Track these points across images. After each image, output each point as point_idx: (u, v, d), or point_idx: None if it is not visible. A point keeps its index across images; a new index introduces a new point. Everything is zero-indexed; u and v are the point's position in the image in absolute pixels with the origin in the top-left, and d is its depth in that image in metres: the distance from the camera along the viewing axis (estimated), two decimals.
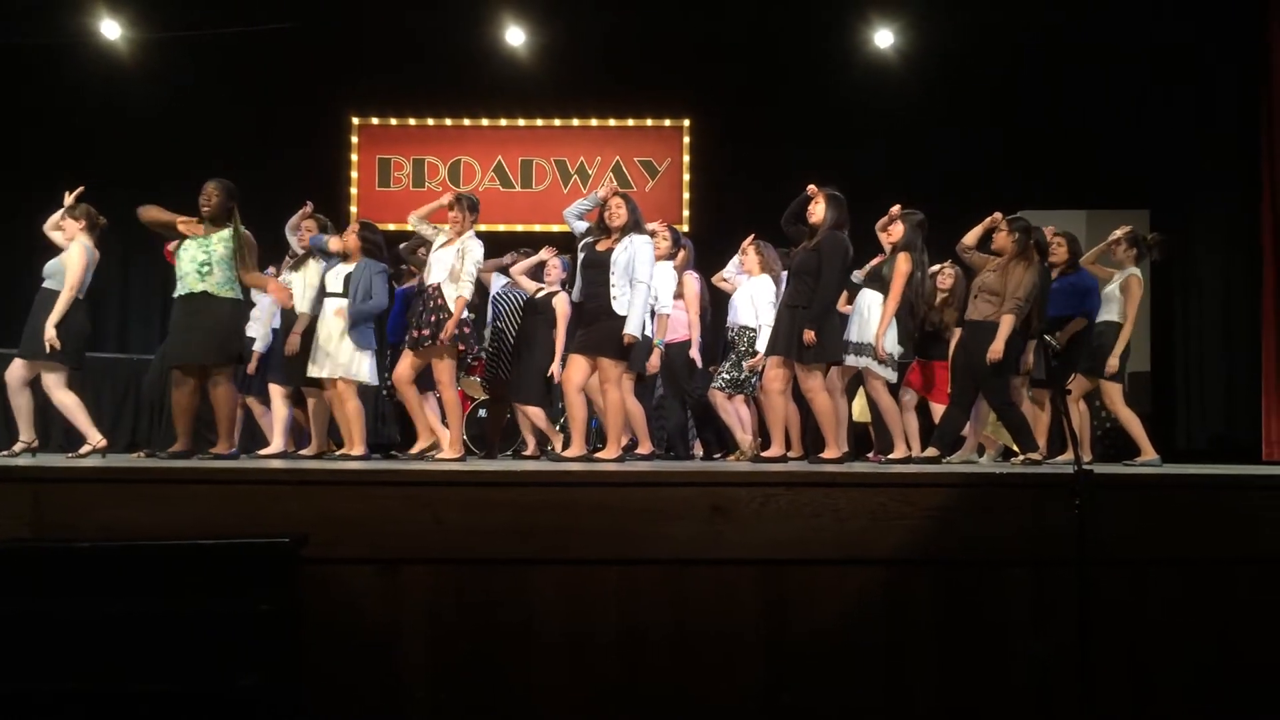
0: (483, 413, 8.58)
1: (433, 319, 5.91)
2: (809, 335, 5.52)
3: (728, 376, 6.82)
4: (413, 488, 3.80)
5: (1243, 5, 8.41)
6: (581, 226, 6.04)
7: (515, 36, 9.67)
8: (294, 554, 3.44)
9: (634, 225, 5.78)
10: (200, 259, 5.82)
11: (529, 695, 3.74)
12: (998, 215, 6.22)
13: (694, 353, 7.04)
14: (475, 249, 6.08)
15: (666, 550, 3.75)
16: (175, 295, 5.91)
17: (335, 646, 3.68)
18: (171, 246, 6.08)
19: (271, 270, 6.88)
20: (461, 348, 5.98)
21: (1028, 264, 5.92)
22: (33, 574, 3.35)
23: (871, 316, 6.00)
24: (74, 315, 6.01)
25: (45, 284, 6.07)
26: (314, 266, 6.56)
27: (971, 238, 6.34)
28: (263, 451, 6.93)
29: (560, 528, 3.75)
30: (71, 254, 6.07)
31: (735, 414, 6.85)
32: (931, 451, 5.92)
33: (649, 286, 5.72)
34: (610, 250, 5.71)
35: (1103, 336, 6.64)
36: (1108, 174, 9.37)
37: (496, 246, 7.70)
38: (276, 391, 6.68)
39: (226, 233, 5.91)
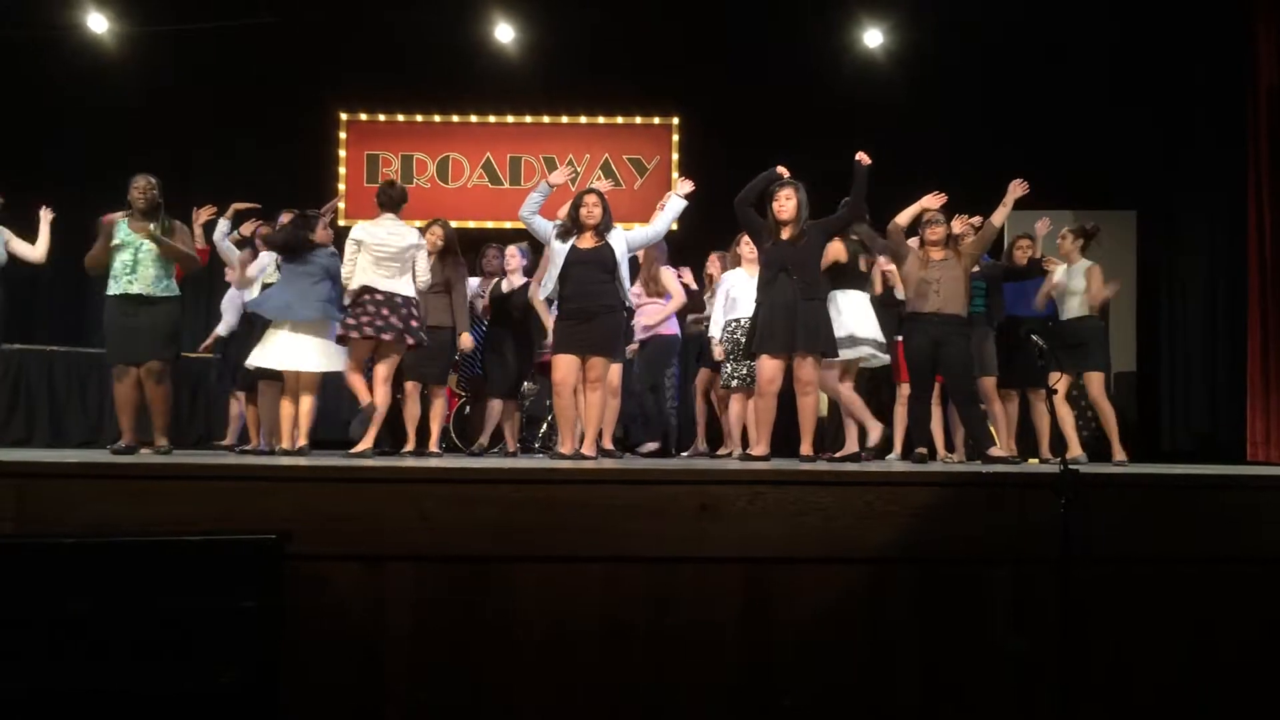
0: (468, 410, 8.57)
1: (400, 315, 5.92)
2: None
3: (745, 372, 6.68)
4: (399, 484, 3.80)
5: (1229, 5, 8.45)
6: (539, 223, 5.91)
7: (504, 33, 9.66)
8: (279, 550, 3.43)
9: (609, 222, 5.80)
10: (126, 259, 5.82)
11: (512, 693, 3.73)
12: (929, 202, 6.14)
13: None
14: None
15: (652, 548, 3.75)
16: (107, 293, 5.91)
17: (318, 643, 3.66)
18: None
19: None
20: (412, 342, 6.01)
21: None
22: (15, 569, 3.33)
23: (845, 313, 6.06)
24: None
25: None
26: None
27: (906, 218, 6.18)
28: (248, 446, 6.92)
29: (546, 525, 3.74)
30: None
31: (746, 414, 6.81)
32: (922, 451, 5.96)
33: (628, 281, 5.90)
34: (597, 248, 5.71)
35: (1081, 333, 6.72)
36: (1094, 174, 9.40)
37: (484, 243, 7.70)
38: (265, 387, 6.67)
39: (154, 227, 5.90)
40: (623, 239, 5.83)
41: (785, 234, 5.68)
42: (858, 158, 5.78)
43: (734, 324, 6.76)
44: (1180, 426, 9.27)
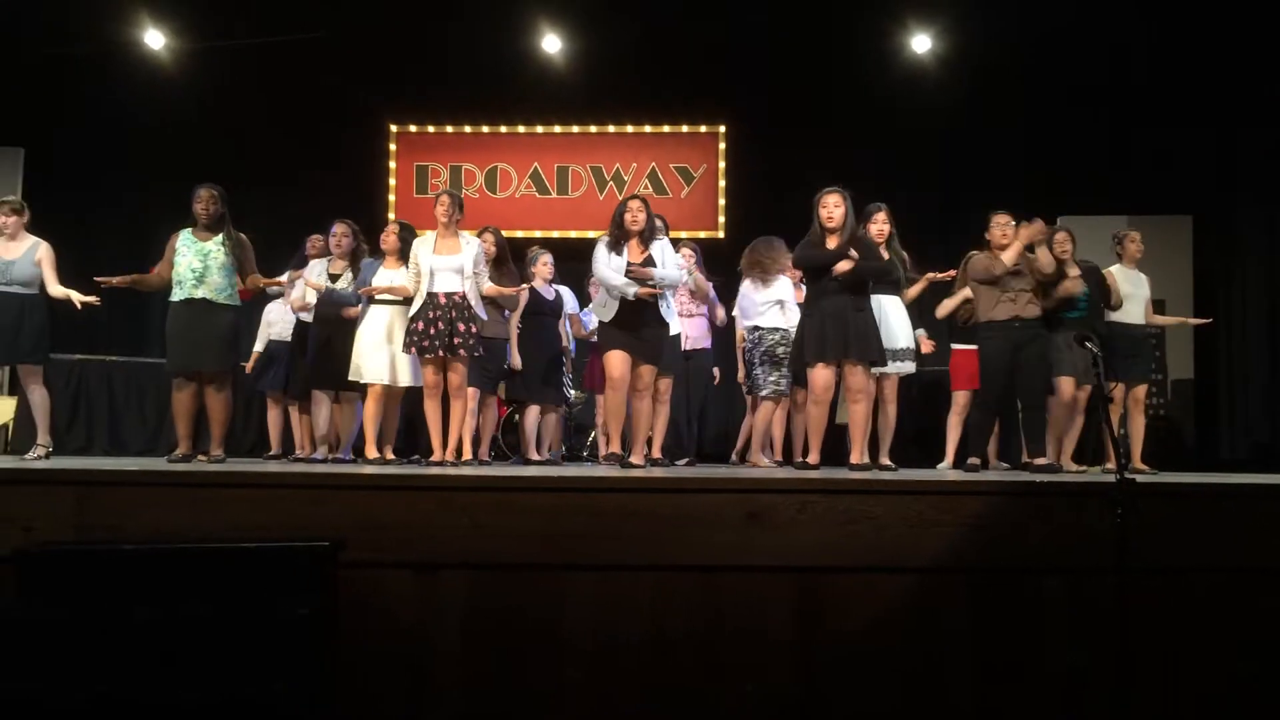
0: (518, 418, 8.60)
1: (461, 327, 5.90)
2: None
3: (774, 380, 6.70)
4: (450, 492, 3.83)
5: None
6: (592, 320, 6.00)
7: (551, 44, 9.71)
8: (332, 558, 3.47)
9: (654, 229, 5.83)
10: (196, 266, 5.86)
11: (560, 700, 3.74)
12: (1039, 227, 6.01)
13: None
14: (481, 249, 6.16)
15: (701, 557, 3.74)
16: (171, 300, 5.93)
17: (370, 650, 3.70)
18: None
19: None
20: (479, 353, 6.01)
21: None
22: (75, 576, 3.40)
23: (888, 319, 6.04)
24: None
25: (17, 290, 6.03)
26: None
27: (1013, 255, 5.98)
28: (302, 455, 7.00)
29: (595, 533, 3.75)
30: (49, 254, 6.14)
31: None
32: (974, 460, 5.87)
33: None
34: (643, 262, 5.73)
35: (1142, 344, 6.60)
36: (1150, 179, 9.26)
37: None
38: (319, 397, 6.75)
39: (220, 238, 5.95)
40: (664, 255, 5.82)
41: (832, 243, 5.65)
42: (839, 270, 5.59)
43: (757, 332, 6.76)
44: (1240, 434, 9.10)
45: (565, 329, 7.25)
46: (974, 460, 5.91)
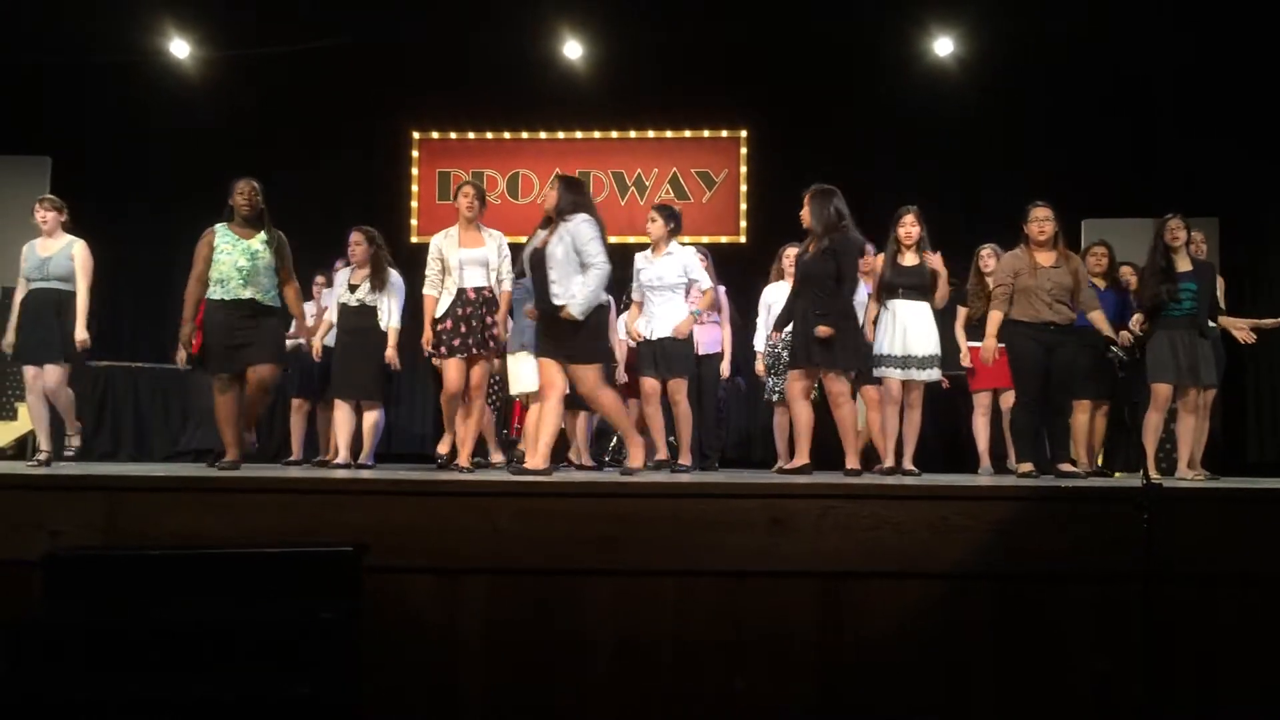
0: None
1: (490, 321, 5.73)
2: (824, 331, 5.39)
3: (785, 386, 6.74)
4: (473, 498, 3.84)
5: None
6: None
7: (573, 50, 9.74)
8: (357, 562, 3.49)
9: (570, 206, 5.14)
10: (243, 265, 5.70)
11: (583, 705, 3.75)
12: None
13: (725, 365, 6.98)
14: (505, 243, 5.91)
15: (724, 562, 3.74)
16: (213, 298, 5.73)
17: (394, 654, 3.72)
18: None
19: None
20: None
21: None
22: (101, 581, 3.43)
23: (915, 326, 5.95)
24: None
25: (55, 285, 5.98)
26: None
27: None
28: (324, 459, 7.03)
29: (618, 538, 3.76)
30: (84, 253, 6.05)
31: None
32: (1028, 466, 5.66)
33: (600, 267, 5.07)
34: (546, 244, 5.11)
35: (1216, 347, 6.50)
36: (1174, 180, 9.18)
37: None
38: (340, 405, 6.78)
39: (264, 236, 5.81)
40: (569, 238, 5.07)
41: (810, 245, 5.64)
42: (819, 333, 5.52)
43: (775, 337, 6.74)
44: (1268, 437, 9.01)
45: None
46: (1027, 467, 5.56)
